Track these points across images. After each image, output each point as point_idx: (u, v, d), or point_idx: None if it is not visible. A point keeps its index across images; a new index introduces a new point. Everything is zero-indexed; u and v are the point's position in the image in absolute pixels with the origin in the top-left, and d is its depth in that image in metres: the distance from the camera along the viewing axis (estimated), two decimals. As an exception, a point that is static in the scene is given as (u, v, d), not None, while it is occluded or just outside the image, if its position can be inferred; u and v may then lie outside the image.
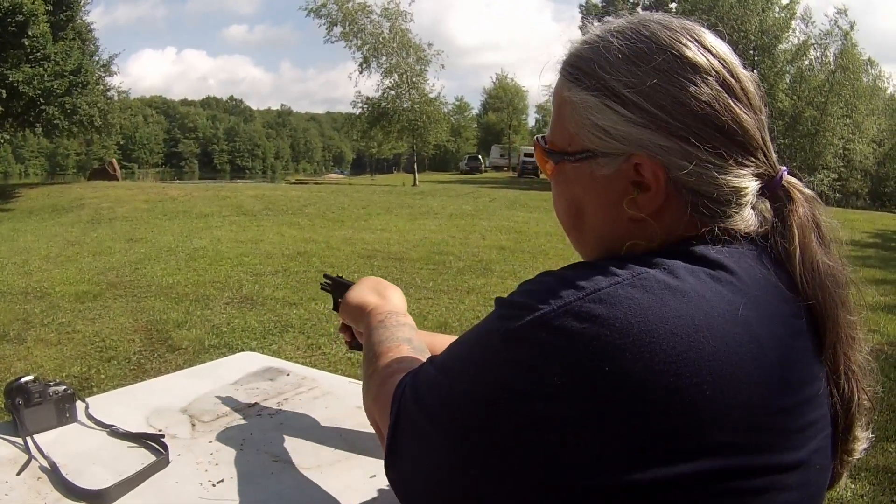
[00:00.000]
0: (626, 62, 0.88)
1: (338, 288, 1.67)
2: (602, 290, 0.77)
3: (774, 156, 0.92)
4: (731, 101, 0.87)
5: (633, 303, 0.75)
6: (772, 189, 0.91)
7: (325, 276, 1.75)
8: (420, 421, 0.87)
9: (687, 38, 0.89)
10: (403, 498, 0.91)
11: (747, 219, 0.90)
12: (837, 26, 45.95)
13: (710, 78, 0.87)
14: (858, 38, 46.14)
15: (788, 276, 0.87)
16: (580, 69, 0.93)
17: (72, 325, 7.61)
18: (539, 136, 1.03)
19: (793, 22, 46.63)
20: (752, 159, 0.89)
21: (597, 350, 0.73)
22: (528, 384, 0.74)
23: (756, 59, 45.73)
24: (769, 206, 0.92)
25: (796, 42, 46.92)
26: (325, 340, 7.23)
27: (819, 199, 0.93)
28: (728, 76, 0.88)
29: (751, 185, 0.89)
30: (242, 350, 6.41)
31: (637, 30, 0.91)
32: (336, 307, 1.65)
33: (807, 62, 47.00)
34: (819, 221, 0.91)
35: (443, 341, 1.41)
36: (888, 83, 55.95)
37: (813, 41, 46.72)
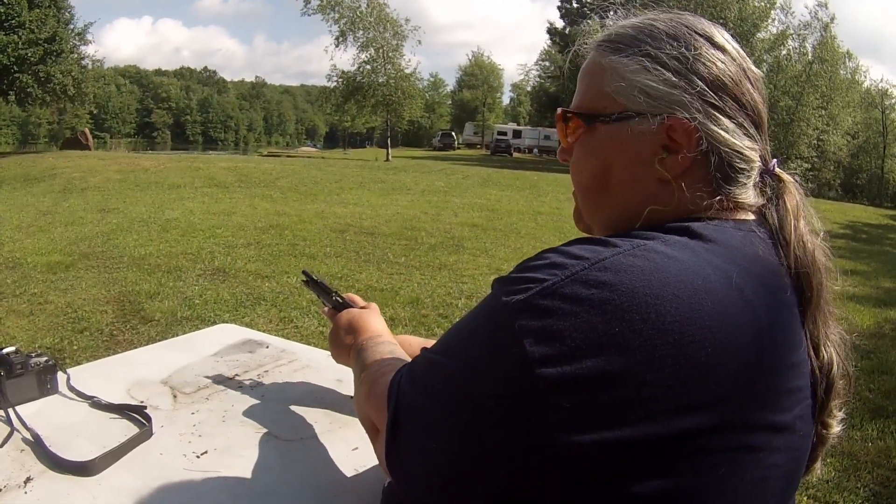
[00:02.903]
0: (668, 37, 0.99)
1: (321, 293, 1.69)
2: (606, 260, 0.81)
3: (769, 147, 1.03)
4: (749, 85, 0.99)
5: (637, 269, 0.80)
6: (768, 173, 1.01)
7: (305, 273, 1.76)
8: (424, 405, 0.88)
9: (716, 30, 1.01)
10: (406, 488, 0.91)
11: (751, 193, 0.98)
12: (817, 18, 46.28)
13: (734, 62, 0.99)
14: (837, 30, 46.51)
15: (777, 253, 0.94)
16: (623, 41, 1.02)
17: (44, 296, 7.52)
18: (561, 109, 1.09)
19: (772, 11, 46.80)
20: (759, 139, 0.99)
21: (607, 312, 0.76)
22: (545, 350, 0.76)
23: (734, 46, 45.89)
24: (765, 189, 1.01)
25: (775, 32, 47.12)
26: (297, 314, 7.23)
27: (802, 189, 1.03)
28: (746, 64, 1.00)
29: (758, 160, 0.99)
30: (215, 322, 6.41)
31: (674, 18, 1.03)
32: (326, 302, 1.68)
33: (784, 52, 47.25)
34: (806, 204, 1.01)
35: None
36: (865, 76, 56.47)
37: (792, 31, 46.98)
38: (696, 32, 0.99)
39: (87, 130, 43.77)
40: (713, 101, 0.95)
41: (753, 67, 1.01)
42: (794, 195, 0.99)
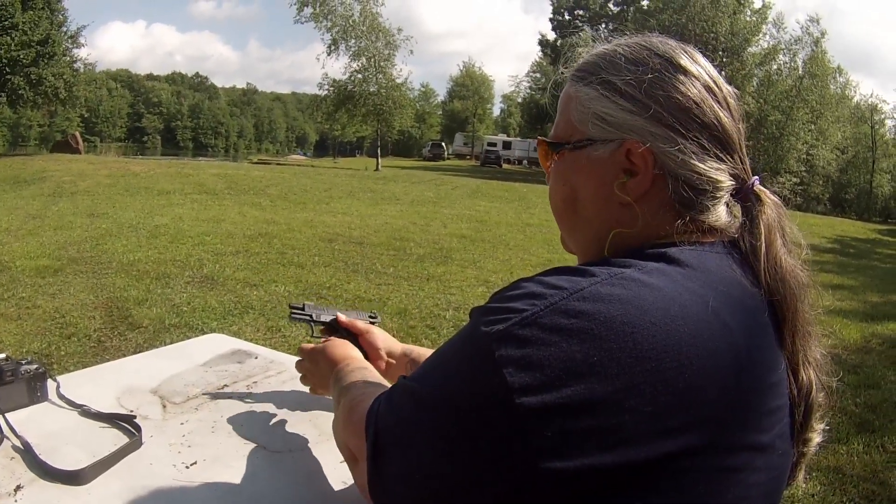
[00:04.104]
0: (628, 63, 1.01)
1: (309, 322, 1.72)
2: (584, 290, 0.82)
3: (748, 165, 1.03)
4: (714, 104, 0.99)
5: (614, 298, 0.81)
6: (744, 193, 1.01)
7: (291, 307, 1.79)
8: (406, 433, 0.88)
9: (681, 51, 1.03)
10: None
11: (721, 215, 0.98)
12: (808, 33, 46.54)
13: (697, 81, 1.00)
14: (828, 45, 46.78)
15: (753, 275, 0.95)
16: (586, 70, 1.06)
17: (32, 300, 7.52)
18: (539, 137, 1.16)
19: (764, 26, 47.08)
20: (730, 159, 1.00)
21: (586, 341, 0.78)
22: (526, 379, 0.77)
23: (725, 60, 46.10)
24: (740, 209, 1.00)
25: (766, 46, 47.37)
26: (284, 323, 7.22)
27: (783, 206, 1.03)
28: (713, 84, 1.01)
29: (726, 180, 0.98)
30: (203, 330, 6.41)
31: (639, 42, 1.05)
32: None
33: (775, 67, 47.52)
34: (784, 224, 1.00)
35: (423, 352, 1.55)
36: (855, 91, 56.78)
37: (783, 46, 47.24)
38: (657, 55, 1.01)
39: (77, 134, 43.51)
40: (670, 122, 0.97)
41: (725, 86, 1.03)
42: (769, 216, 0.99)
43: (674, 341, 0.80)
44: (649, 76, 0.99)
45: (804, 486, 4.36)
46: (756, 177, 1.03)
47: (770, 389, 0.90)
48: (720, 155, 0.98)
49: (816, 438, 1.02)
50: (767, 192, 1.02)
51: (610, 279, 0.84)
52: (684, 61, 1.01)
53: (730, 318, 0.86)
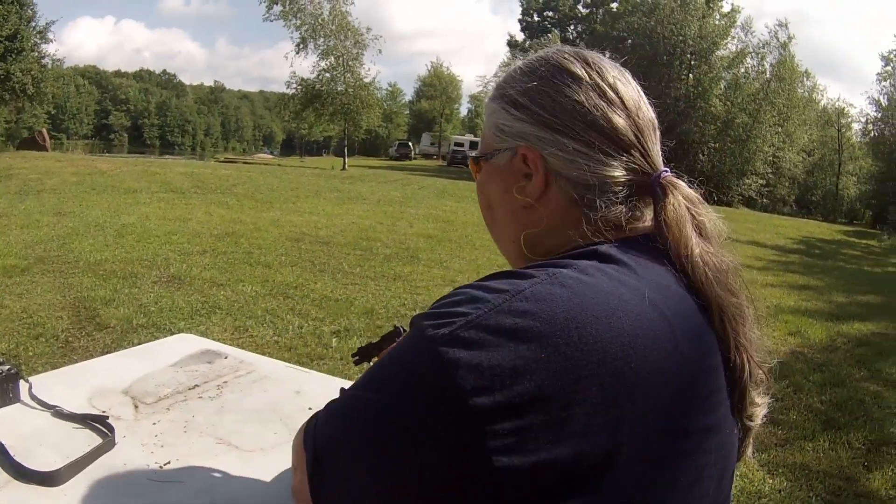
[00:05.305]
0: (521, 74, 1.10)
1: (370, 351, 1.69)
2: (526, 290, 0.85)
3: (658, 159, 1.07)
4: (602, 103, 1.03)
5: (556, 296, 0.84)
6: (650, 186, 1.04)
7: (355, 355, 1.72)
8: (349, 440, 0.88)
9: (572, 58, 1.09)
10: None
11: (621, 212, 1.03)
12: (776, 37, 47.00)
13: (584, 83, 1.04)
14: (796, 50, 47.27)
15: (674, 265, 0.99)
16: (496, 87, 1.15)
17: (-2, 300, 7.44)
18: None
19: (732, 30, 47.48)
20: (624, 154, 1.03)
21: (532, 339, 0.80)
22: (476, 381, 0.78)
23: (693, 63, 46.49)
24: (652, 204, 1.05)
25: (734, 50, 47.76)
26: (252, 323, 7.22)
27: (700, 199, 1.06)
28: (602, 84, 1.05)
29: (620, 175, 1.02)
30: (171, 331, 6.38)
31: (539, 54, 1.12)
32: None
33: (743, 70, 47.92)
34: (695, 214, 1.02)
35: None
36: (822, 95, 57.45)
37: (751, 50, 47.66)
38: (546, 63, 1.08)
39: (44, 131, 43.01)
40: (555, 125, 1.03)
41: (621, 88, 1.06)
42: (674, 205, 1.02)
43: (616, 333, 0.83)
44: (535, 83, 1.06)
45: (771, 481, 4.43)
46: (664, 169, 1.06)
47: (710, 373, 0.94)
48: (610, 151, 1.02)
49: (761, 412, 1.05)
50: (678, 182, 1.05)
51: (549, 279, 0.87)
52: (571, 65, 1.07)
53: (665, 308, 0.90)
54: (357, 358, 1.70)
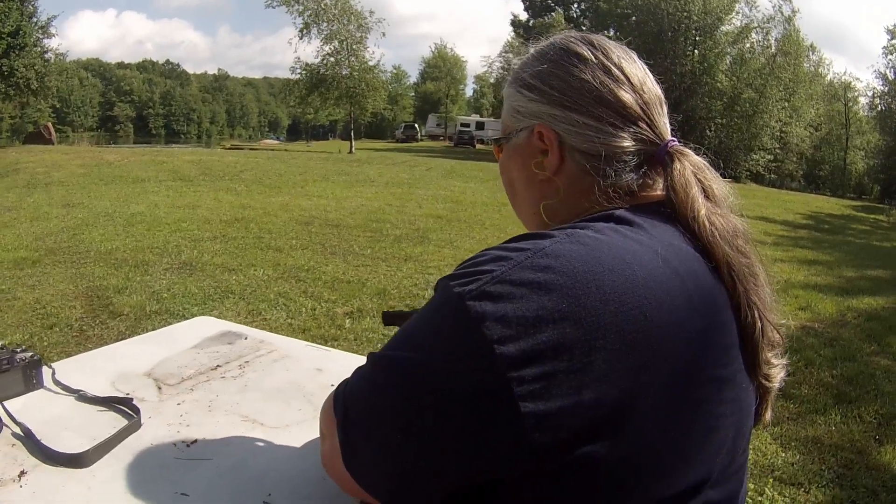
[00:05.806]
0: (533, 60, 1.18)
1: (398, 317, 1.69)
2: (546, 248, 0.90)
3: (666, 130, 1.14)
4: (608, 80, 1.10)
5: (574, 252, 0.89)
6: (659, 155, 1.10)
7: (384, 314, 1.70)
8: (381, 399, 0.91)
9: (578, 41, 1.16)
10: (372, 484, 0.94)
11: (632, 180, 1.09)
12: (780, 12, 46.66)
13: (590, 63, 1.11)
14: (801, 24, 46.93)
15: (685, 228, 1.04)
16: (512, 73, 1.23)
17: (11, 292, 7.46)
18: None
19: (736, 5, 47.15)
20: (632, 126, 1.09)
21: (554, 291, 0.85)
22: (502, 331, 0.82)
23: (698, 39, 46.21)
24: (662, 172, 1.11)
25: (739, 25, 47.46)
26: (265, 306, 7.27)
27: (708, 165, 1.12)
28: (607, 63, 1.12)
29: (630, 145, 1.09)
30: (185, 315, 6.41)
31: (548, 41, 1.20)
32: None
33: (748, 45, 47.62)
34: (702, 179, 1.08)
35: None
36: (829, 69, 57.09)
37: (756, 25, 47.33)
38: (555, 47, 1.16)
39: (49, 125, 43.17)
40: (566, 103, 1.10)
41: (626, 65, 1.13)
42: (682, 171, 1.07)
43: (631, 284, 0.88)
44: (545, 66, 1.14)
45: (784, 454, 4.44)
46: (672, 139, 1.12)
47: (721, 328, 0.98)
48: (617, 124, 1.08)
49: (777, 373, 1.08)
50: (685, 150, 1.11)
51: (568, 238, 0.92)
52: (578, 48, 1.13)
53: (677, 264, 0.95)
54: (387, 318, 1.71)
